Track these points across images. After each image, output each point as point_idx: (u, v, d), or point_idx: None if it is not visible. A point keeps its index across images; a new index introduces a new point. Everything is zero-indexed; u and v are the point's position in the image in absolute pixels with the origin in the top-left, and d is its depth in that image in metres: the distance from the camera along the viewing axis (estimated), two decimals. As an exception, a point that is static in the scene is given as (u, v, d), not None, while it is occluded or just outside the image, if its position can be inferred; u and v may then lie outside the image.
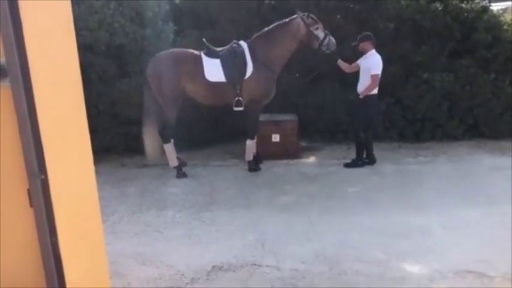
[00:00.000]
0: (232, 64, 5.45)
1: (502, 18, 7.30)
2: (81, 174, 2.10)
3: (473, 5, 7.03)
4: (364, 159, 5.99)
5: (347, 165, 5.91)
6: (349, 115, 6.76)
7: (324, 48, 5.63)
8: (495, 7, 7.98)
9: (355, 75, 6.15)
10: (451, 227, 4.12)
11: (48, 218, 1.86)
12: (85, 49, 5.72)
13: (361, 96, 5.64)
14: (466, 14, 6.90)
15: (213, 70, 5.43)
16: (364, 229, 4.11)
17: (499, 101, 6.90)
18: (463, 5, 6.99)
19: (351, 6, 6.84)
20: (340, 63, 5.94)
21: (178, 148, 5.77)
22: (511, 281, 3.25)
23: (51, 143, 1.83)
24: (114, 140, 6.26)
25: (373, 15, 6.83)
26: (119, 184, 5.41)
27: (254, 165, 5.85)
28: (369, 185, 5.29)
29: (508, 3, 8.42)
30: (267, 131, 6.15)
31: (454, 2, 6.97)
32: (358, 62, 5.83)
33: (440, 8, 6.80)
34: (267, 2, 6.96)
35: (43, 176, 1.81)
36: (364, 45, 5.67)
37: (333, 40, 5.66)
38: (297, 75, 6.20)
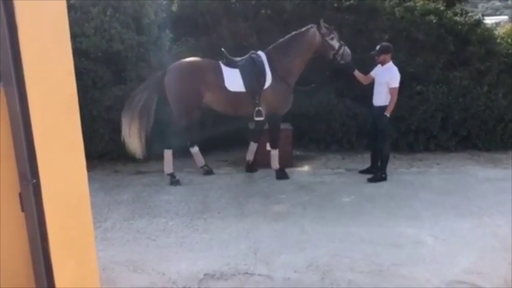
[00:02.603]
0: (252, 74, 5.44)
1: (495, 32, 7.42)
2: (74, 179, 2.09)
3: (467, 19, 7.13)
4: (369, 168, 6.01)
5: (370, 180, 5.76)
6: (344, 125, 6.79)
7: (339, 58, 5.66)
8: (489, 21, 8.11)
9: (350, 85, 6.16)
10: (444, 238, 4.13)
11: (39, 223, 1.85)
12: (81, 55, 5.73)
13: (388, 115, 5.58)
14: (460, 27, 7.00)
15: (233, 80, 5.43)
16: (357, 239, 4.11)
17: (492, 113, 6.94)
18: (457, 18, 7.10)
19: (346, 17, 6.89)
20: (357, 74, 5.86)
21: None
22: (503, 292, 3.26)
23: (44, 147, 1.82)
24: (108, 146, 6.23)
25: (368, 26, 6.89)
26: (112, 191, 5.39)
27: (282, 174, 5.81)
28: (363, 195, 5.29)
29: (502, 17, 8.54)
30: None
31: (448, 15, 7.08)
32: (371, 73, 5.73)
33: (434, 21, 6.87)
34: (263, 11, 7.01)
35: (35, 181, 1.80)
36: (385, 57, 5.55)
37: (348, 50, 5.69)
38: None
